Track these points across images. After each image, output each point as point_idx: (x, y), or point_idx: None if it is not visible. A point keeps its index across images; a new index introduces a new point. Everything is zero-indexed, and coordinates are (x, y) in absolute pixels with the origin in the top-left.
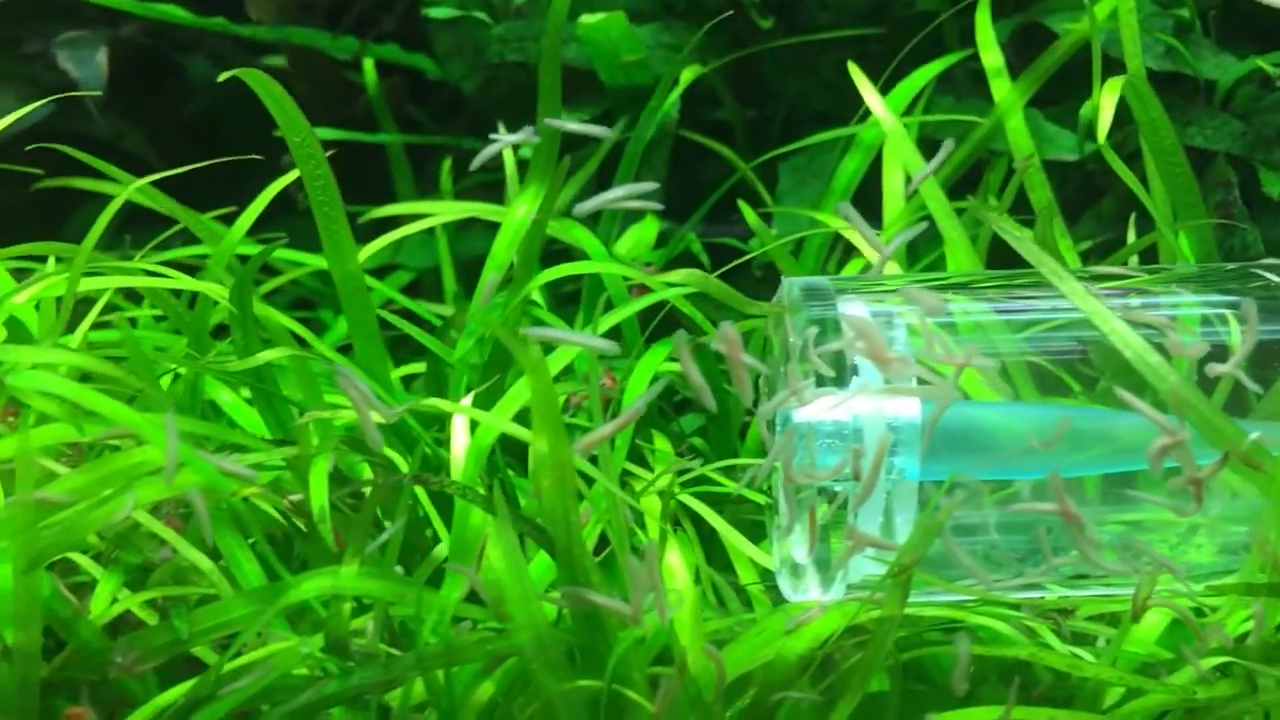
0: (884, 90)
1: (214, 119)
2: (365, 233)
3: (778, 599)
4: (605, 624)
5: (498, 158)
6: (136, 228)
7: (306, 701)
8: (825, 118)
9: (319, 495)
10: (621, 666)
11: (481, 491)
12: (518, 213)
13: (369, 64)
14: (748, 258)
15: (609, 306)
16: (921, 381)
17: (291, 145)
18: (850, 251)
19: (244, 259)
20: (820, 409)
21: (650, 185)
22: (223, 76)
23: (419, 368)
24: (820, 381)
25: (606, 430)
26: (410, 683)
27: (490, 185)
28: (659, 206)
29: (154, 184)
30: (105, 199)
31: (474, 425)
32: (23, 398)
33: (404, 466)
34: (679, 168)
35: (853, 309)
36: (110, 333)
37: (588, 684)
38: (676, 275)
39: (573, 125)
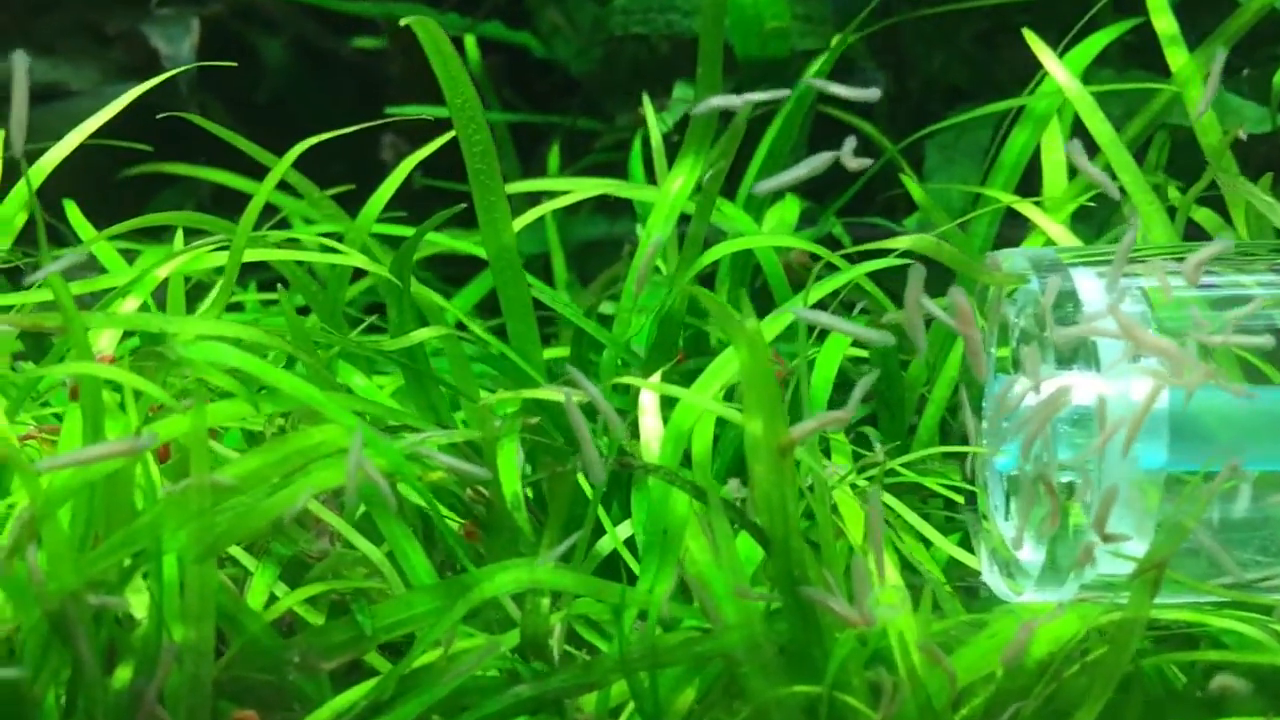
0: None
1: (281, 100)
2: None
3: (967, 599)
4: (820, 623)
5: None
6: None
7: (503, 705)
8: (963, 93)
9: (510, 482)
10: (840, 670)
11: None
12: (673, 186)
13: (470, 42)
14: (935, 233)
15: (753, 285)
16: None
17: (452, 108)
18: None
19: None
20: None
21: (831, 155)
22: (404, 21)
23: (559, 352)
24: (1060, 363)
25: (826, 419)
26: (608, 686)
27: (601, 167)
28: (868, 162)
29: (233, 166)
30: (191, 179)
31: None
32: (194, 370)
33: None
34: (813, 145)
35: (1085, 283)
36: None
37: (804, 689)
38: (904, 242)
39: (837, 88)
